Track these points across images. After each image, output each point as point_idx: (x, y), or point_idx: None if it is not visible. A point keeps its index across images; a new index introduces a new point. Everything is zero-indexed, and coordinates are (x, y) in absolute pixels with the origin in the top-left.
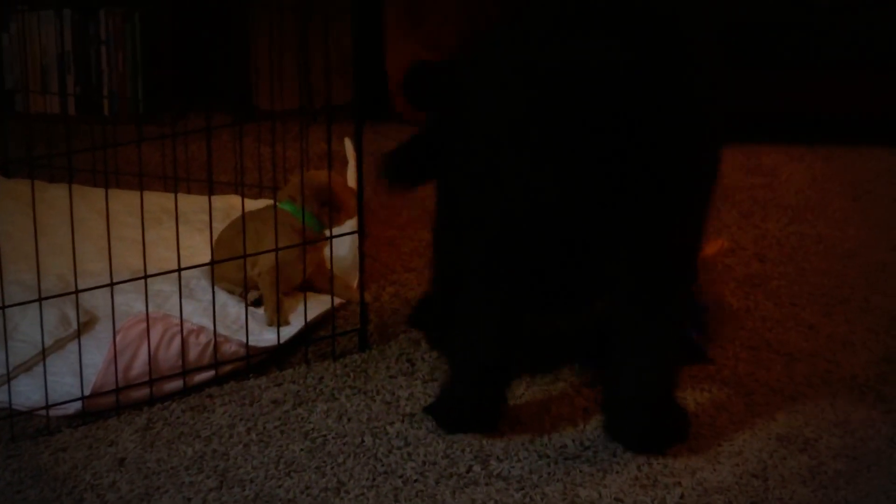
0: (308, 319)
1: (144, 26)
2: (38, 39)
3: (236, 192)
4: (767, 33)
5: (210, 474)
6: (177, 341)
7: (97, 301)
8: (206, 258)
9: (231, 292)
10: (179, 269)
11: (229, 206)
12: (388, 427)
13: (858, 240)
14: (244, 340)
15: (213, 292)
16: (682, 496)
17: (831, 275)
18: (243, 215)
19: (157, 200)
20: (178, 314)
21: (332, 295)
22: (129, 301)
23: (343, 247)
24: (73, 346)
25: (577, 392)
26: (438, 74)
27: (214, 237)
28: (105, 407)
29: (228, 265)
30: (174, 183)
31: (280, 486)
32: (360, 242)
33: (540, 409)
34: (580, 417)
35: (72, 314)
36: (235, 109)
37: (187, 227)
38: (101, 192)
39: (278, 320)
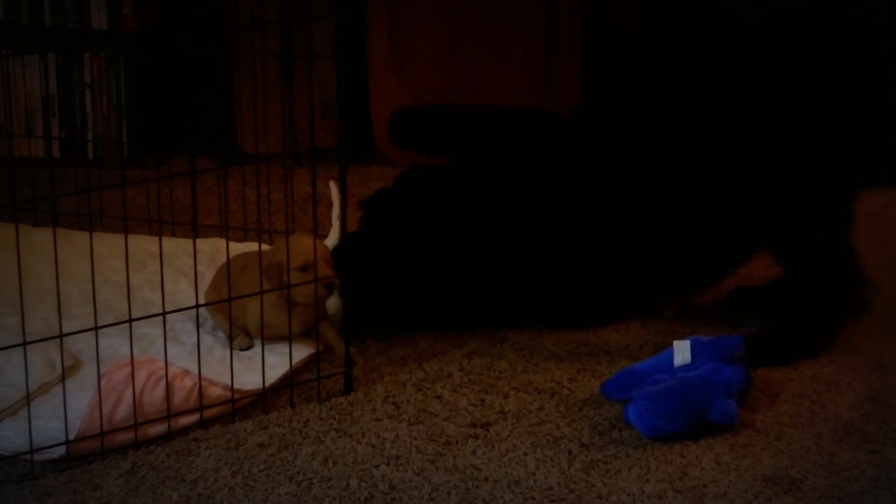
0: (293, 363)
1: (129, 70)
2: (23, 83)
3: (221, 236)
4: None
5: None
6: (162, 385)
7: (82, 345)
8: (191, 301)
9: (225, 331)
10: (164, 313)
11: (214, 249)
12: (373, 470)
13: None
14: (229, 384)
15: (199, 336)
16: None
17: None
18: (228, 260)
19: (142, 244)
20: (163, 358)
21: (318, 339)
22: (115, 345)
23: None
24: (57, 390)
25: (561, 433)
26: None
27: (200, 280)
28: (90, 451)
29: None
30: (158, 226)
31: None
32: (350, 282)
33: (525, 451)
34: (565, 459)
35: (56, 358)
36: (219, 153)
37: (172, 270)
38: (85, 235)
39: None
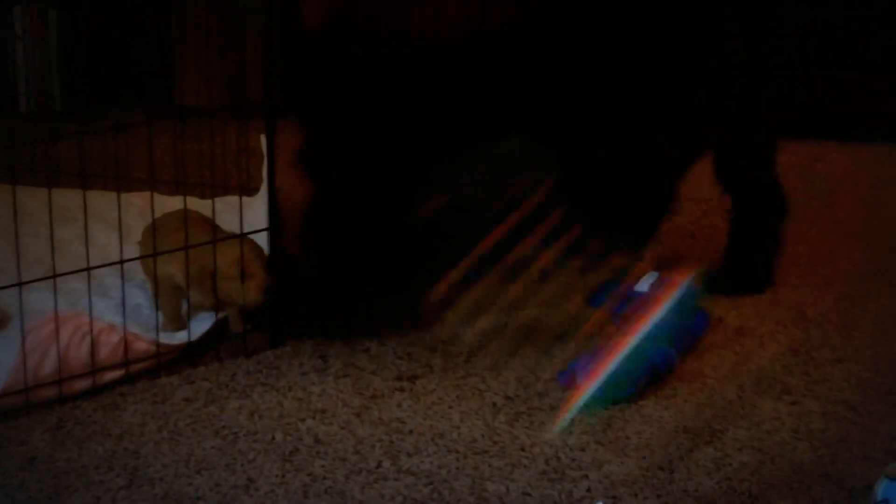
0: (218, 317)
1: (61, 22)
2: None
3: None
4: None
5: (120, 473)
6: (87, 340)
7: (12, 300)
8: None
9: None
10: (88, 268)
11: (146, 203)
12: (299, 424)
13: None
14: (156, 338)
15: (124, 290)
16: (588, 489)
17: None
18: (153, 220)
19: (74, 198)
20: (88, 312)
21: (244, 293)
22: (44, 299)
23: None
24: None
25: (487, 387)
26: None
27: (130, 233)
28: (16, 406)
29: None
30: (83, 180)
31: (190, 484)
32: (273, 240)
33: (450, 404)
34: (489, 412)
35: None
36: (155, 106)
37: (104, 224)
38: (18, 189)
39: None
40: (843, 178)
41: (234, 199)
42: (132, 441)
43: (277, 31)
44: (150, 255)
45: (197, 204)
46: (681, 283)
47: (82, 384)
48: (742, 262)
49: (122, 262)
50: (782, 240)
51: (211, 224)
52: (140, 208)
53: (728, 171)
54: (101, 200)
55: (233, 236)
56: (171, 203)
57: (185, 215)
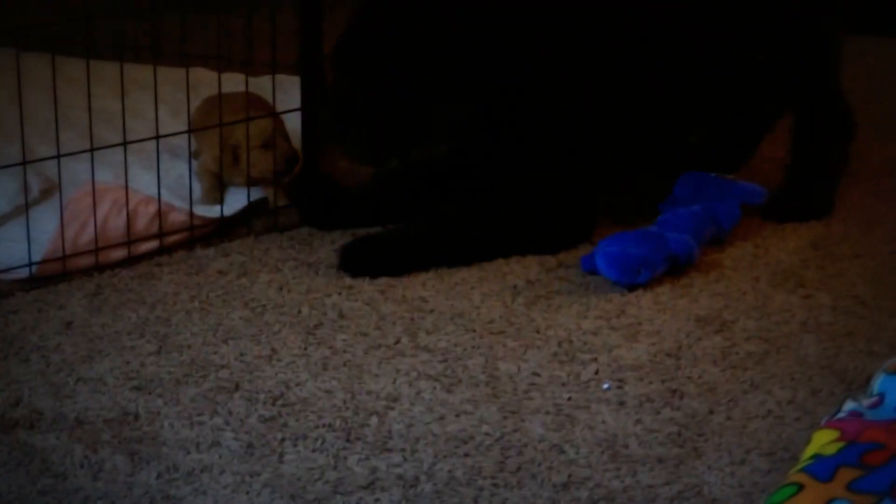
0: (251, 197)
1: None
2: None
3: (206, 66)
4: None
5: (151, 339)
6: (125, 211)
7: (64, 170)
8: (171, 130)
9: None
10: (125, 143)
11: (196, 79)
12: (325, 299)
13: None
14: (192, 210)
15: (158, 163)
16: (596, 372)
17: (773, 161)
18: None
19: (128, 72)
20: (134, 185)
21: (275, 170)
22: (90, 170)
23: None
24: (32, 212)
25: (510, 270)
26: None
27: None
28: (56, 273)
29: (203, 141)
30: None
31: (216, 353)
32: (308, 119)
33: (473, 285)
34: (509, 294)
35: (33, 181)
36: None
37: (153, 98)
38: (74, 62)
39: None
40: (886, 74)
41: (283, 77)
42: (164, 309)
43: None
44: (183, 132)
45: (249, 81)
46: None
47: (118, 254)
48: (803, 187)
49: (157, 137)
50: (847, 163)
51: (264, 103)
52: (192, 85)
53: (789, 84)
54: (150, 75)
55: (265, 116)
56: (213, 78)
57: (220, 97)
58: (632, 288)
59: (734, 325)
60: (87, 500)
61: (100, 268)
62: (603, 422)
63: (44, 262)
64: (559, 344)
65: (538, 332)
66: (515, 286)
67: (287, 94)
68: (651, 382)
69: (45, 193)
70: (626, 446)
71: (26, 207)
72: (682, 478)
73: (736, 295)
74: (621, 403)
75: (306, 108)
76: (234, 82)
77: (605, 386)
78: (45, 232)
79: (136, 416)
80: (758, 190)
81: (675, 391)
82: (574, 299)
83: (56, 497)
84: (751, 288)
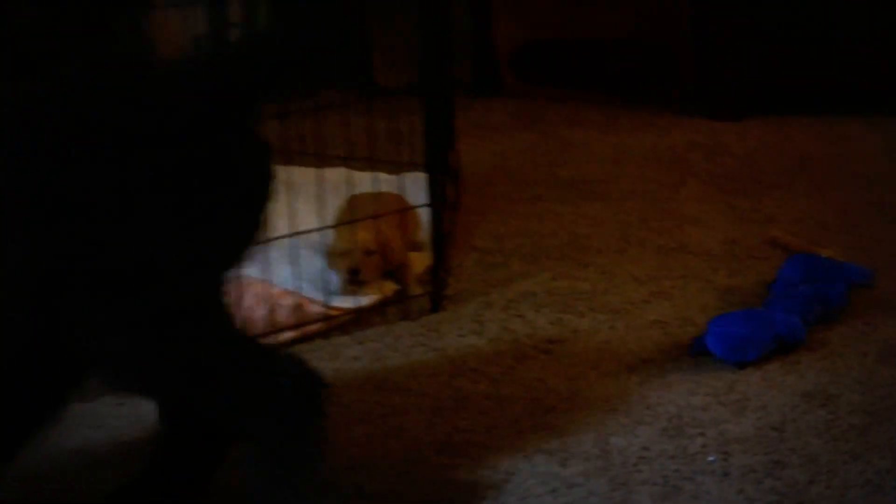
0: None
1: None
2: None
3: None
4: None
5: None
6: (266, 304)
7: None
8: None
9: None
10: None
11: (339, 178)
12: (451, 381)
13: None
14: (329, 302)
15: (300, 258)
16: (703, 445)
17: (882, 242)
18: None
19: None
20: (277, 279)
21: (406, 263)
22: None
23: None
24: None
25: (627, 350)
26: None
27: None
28: None
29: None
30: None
31: (352, 433)
32: (434, 215)
33: (590, 366)
34: (623, 373)
35: None
36: (352, 85)
37: (299, 198)
38: None
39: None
40: None
41: (420, 175)
42: None
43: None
44: (322, 228)
45: (385, 179)
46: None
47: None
48: None
49: (295, 234)
50: None
51: (398, 199)
52: (333, 182)
53: None
54: (295, 175)
55: (399, 210)
56: (360, 177)
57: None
58: (741, 366)
59: (839, 399)
60: None
61: None
62: (707, 492)
63: None
64: (669, 419)
65: (649, 407)
66: (630, 366)
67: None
68: (755, 454)
69: None
70: None
71: None
72: None
73: (842, 370)
74: (726, 474)
75: (434, 204)
76: (374, 181)
77: (711, 458)
78: None
79: None
80: (865, 271)
81: (777, 462)
82: (685, 377)
83: None
84: (857, 364)
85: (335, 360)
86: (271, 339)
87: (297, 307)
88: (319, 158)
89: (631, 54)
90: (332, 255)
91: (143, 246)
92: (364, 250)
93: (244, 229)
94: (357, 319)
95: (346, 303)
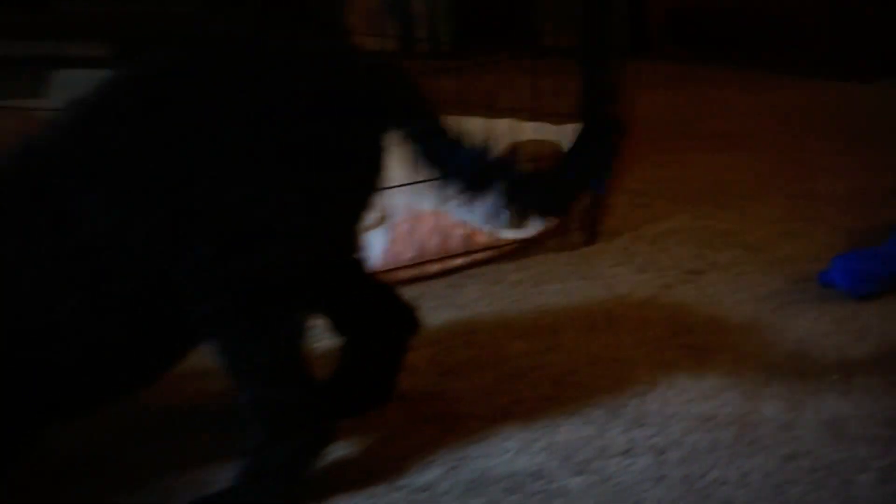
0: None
1: None
2: None
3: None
4: None
5: (457, 333)
6: (439, 233)
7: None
8: None
9: None
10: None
11: (510, 128)
12: (599, 304)
13: None
14: (496, 233)
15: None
16: (825, 366)
17: None
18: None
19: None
20: (450, 212)
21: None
22: (416, 202)
23: None
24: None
25: (760, 281)
26: None
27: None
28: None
29: None
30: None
31: (510, 345)
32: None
33: (726, 294)
34: (757, 301)
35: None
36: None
37: None
38: None
39: None
40: None
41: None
42: (470, 311)
43: None
44: None
45: (548, 128)
46: None
47: (434, 268)
48: None
49: None
50: None
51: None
52: (501, 131)
53: None
54: (472, 125)
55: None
56: (524, 126)
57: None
58: (862, 298)
59: None
60: None
61: (420, 279)
62: (829, 406)
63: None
64: (796, 342)
65: (776, 332)
66: (762, 295)
67: None
68: (874, 375)
69: (379, 220)
70: (847, 427)
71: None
72: (891, 454)
73: None
74: (846, 392)
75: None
76: (536, 130)
77: (834, 378)
78: (374, 249)
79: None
80: None
81: (893, 383)
82: (811, 307)
83: None
84: None
85: (500, 283)
86: (445, 264)
87: (468, 237)
88: (490, 110)
89: (770, 21)
90: None
91: (275, 208)
92: None
93: (355, 209)
94: (520, 249)
95: (510, 234)
